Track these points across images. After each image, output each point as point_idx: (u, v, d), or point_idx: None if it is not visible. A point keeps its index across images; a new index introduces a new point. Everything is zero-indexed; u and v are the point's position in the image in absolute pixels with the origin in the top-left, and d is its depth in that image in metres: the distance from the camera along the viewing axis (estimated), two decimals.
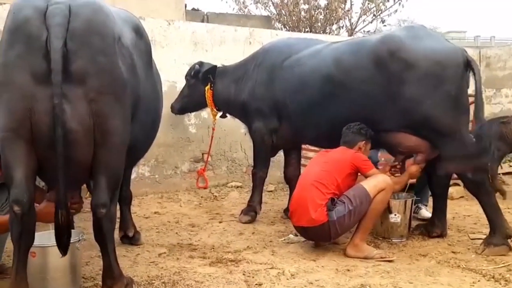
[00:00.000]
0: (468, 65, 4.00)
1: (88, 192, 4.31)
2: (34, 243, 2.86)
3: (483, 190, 4.01)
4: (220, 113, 5.66)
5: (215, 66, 5.50)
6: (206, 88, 5.42)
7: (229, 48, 6.98)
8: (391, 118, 4.11)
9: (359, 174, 4.13)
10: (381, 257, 3.86)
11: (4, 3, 5.49)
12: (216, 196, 6.45)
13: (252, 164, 5.44)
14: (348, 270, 3.62)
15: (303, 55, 4.74)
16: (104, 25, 2.78)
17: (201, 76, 5.46)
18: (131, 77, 2.95)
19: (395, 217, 4.35)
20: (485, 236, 4.12)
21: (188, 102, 5.75)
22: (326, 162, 4.13)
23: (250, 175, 5.44)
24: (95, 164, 2.79)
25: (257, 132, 5.09)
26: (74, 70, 2.62)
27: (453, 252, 4.05)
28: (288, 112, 4.78)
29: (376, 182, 3.97)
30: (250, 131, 5.24)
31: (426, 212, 5.11)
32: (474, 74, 4.00)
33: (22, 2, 2.70)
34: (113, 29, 2.83)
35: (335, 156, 4.16)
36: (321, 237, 4.10)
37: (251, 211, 5.14)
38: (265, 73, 4.98)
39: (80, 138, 2.66)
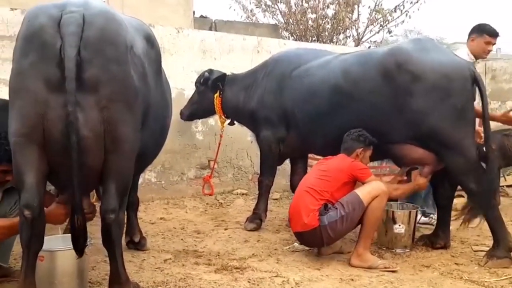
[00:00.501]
0: (474, 80, 4.03)
1: (95, 197, 4.36)
2: (42, 247, 2.89)
3: (487, 203, 4.03)
4: (228, 121, 5.71)
5: (224, 74, 5.55)
6: (215, 95, 5.47)
7: (237, 56, 7.02)
8: (398, 130, 4.14)
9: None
10: (385, 267, 3.88)
11: (16, 9, 5.57)
12: (221, 203, 6.48)
13: (258, 171, 5.46)
14: (352, 280, 3.65)
15: (312, 65, 4.78)
16: (117, 34, 2.82)
17: (210, 84, 5.52)
18: (142, 86, 2.99)
19: (399, 228, 4.37)
20: (488, 248, 4.13)
21: (197, 109, 5.82)
22: (324, 170, 4.18)
23: (256, 183, 5.47)
24: (105, 170, 2.83)
25: (265, 141, 5.12)
26: (87, 78, 2.66)
27: (456, 263, 4.07)
28: (296, 121, 4.82)
29: (370, 189, 3.99)
30: (258, 139, 5.26)
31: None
32: (480, 90, 4.04)
33: (36, 10, 2.75)
34: (125, 38, 2.87)
35: (333, 164, 4.19)
36: (314, 242, 4.12)
37: (257, 219, 5.16)
38: (274, 82, 5.02)
39: (91, 144, 2.70)
